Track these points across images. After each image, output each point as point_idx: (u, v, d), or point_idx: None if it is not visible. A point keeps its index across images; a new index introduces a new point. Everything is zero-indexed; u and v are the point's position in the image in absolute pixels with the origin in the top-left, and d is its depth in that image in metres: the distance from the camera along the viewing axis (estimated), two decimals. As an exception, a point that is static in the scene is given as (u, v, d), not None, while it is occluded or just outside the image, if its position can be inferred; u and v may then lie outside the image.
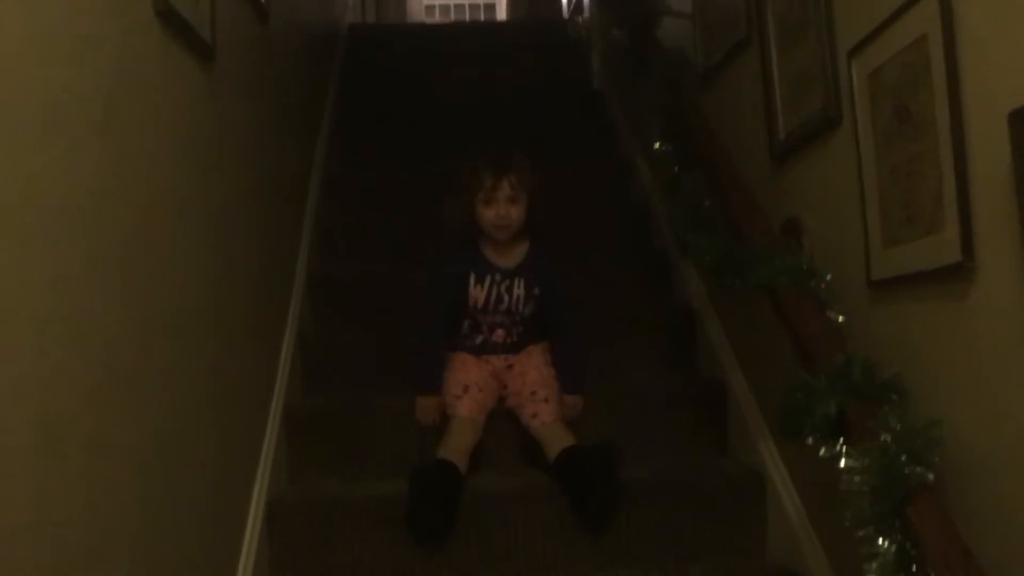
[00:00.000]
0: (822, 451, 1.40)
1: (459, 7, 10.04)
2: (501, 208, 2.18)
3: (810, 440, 1.43)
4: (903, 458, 1.22)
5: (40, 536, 0.96)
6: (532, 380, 2.20)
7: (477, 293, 2.25)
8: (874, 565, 1.21)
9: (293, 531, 1.96)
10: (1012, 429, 1.17)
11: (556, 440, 2.06)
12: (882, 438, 1.25)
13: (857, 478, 1.25)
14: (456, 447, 2.05)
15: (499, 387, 2.26)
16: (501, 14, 9.61)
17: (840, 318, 1.56)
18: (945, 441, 1.25)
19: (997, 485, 1.20)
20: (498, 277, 2.25)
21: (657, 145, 2.29)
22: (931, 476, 1.21)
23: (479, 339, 2.29)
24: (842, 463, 1.33)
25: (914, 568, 1.18)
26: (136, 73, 1.30)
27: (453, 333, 2.30)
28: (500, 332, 2.29)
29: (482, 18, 9.88)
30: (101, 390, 1.13)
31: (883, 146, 1.44)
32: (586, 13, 4.53)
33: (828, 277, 1.61)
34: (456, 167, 2.27)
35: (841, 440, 1.38)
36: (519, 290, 2.25)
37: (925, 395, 1.36)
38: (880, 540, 1.21)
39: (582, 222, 3.06)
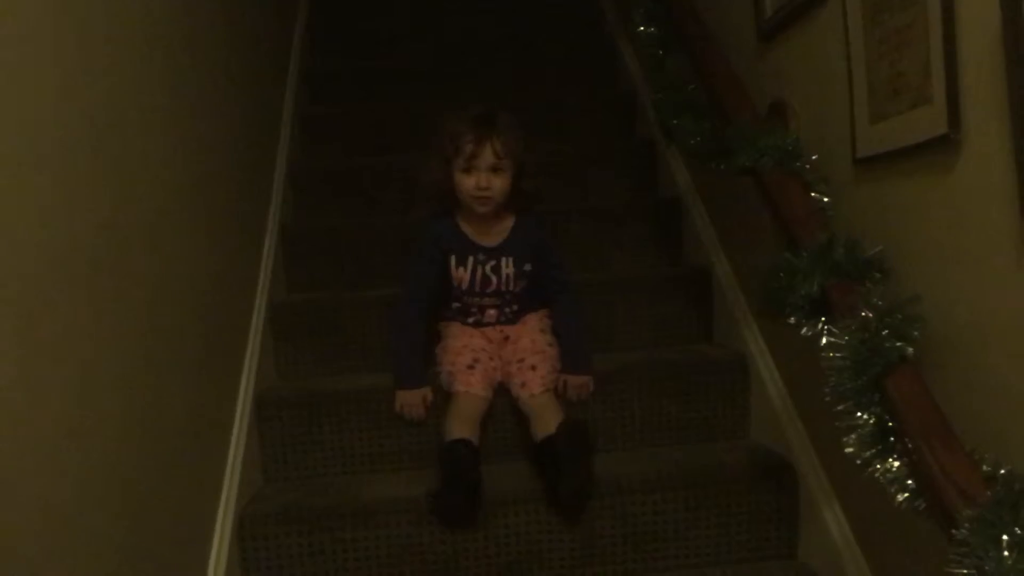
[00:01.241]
0: (804, 330, 1.41)
1: None
2: (482, 178, 1.92)
3: (792, 320, 1.43)
4: (884, 333, 1.22)
5: (21, 420, 0.96)
6: (522, 347, 2.01)
7: (460, 275, 2.03)
8: (853, 438, 1.22)
9: (281, 422, 1.98)
10: (993, 302, 1.17)
11: (540, 419, 1.85)
12: (863, 315, 1.25)
13: (838, 354, 1.25)
14: (470, 420, 1.86)
15: (497, 360, 2.03)
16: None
17: (825, 199, 1.54)
18: (926, 316, 1.25)
19: (978, 358, 1.21)
20: (482, 256, 2.03)
21: (641, 28, 2.21)
22: (911, 350, 1.21)
23: (471, 319, 2.09)
24: (823, 341, 1.33)
25: (892, 439, 1.19)
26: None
27: (442, 308, 2.11)
28: (492, 312, 2.08)
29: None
30: (84, 284, 1.12)
31: (871, 18, 1.40)
32: None
33: (813, 157, 1.59)
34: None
35: (823, 319, 1.38)
36: (508, 269, 2.03)
37: (908, 272, 1.35)
38: (859, 413, 1.22)
39: (566, 113, 3.03)
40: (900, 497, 1.16)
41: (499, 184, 1.93)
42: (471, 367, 1.93)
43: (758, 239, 1.95)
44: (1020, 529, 0.97)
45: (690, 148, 1.89)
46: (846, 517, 1.66)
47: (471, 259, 2.02)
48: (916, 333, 1.22)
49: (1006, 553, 0.95)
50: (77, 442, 1.09)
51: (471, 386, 1.90)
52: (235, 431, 1.84)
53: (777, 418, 1.93)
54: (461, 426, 1.83)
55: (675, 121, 1.94)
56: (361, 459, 1.98)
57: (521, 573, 1.75)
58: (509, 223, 2.04)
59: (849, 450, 1.23)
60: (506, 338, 2.07)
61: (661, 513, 1.80)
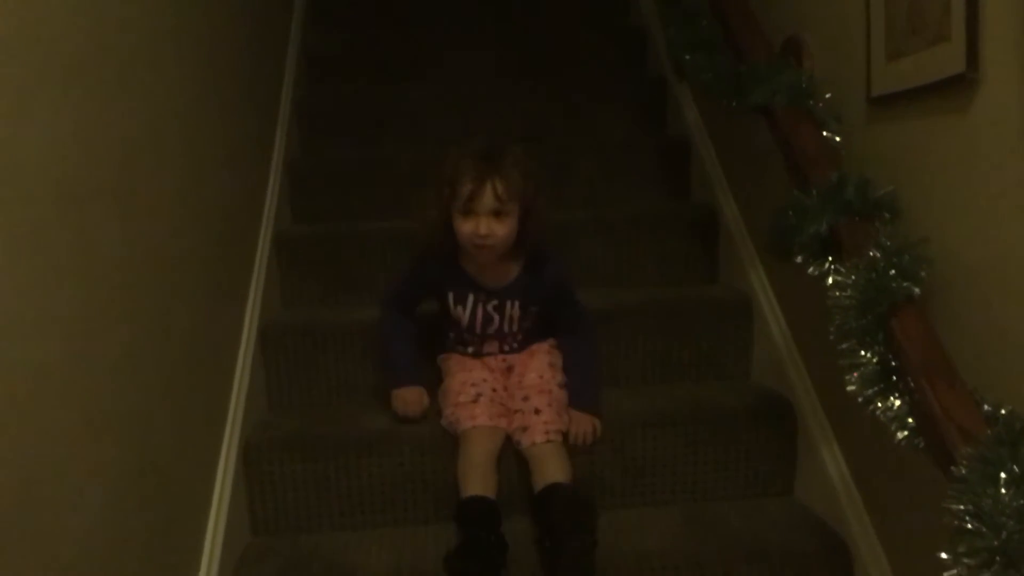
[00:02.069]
0: (811, 269, 1.40)
1: None
2: (482, 223, 1.67)
3: (800, 259, 1.42)
4: (891, 273, 1.22)
5: (27, 344, 0.96)
6: (528, 383, 1.79)
7: (459, 313, 1.83)
8: (855, 376, 1.23)
9: (286, 351, 1.99)
10: (1003, 246, 1.16)
11: (540, 468, 1.65)
12: (871, 254, 1.24)
13: (844, 293, 1.25)
14: (482, 466, 1.65)
15: (502, 390, 1.82)
16: None
17: (837, 138, 1.53)
18: (935, 257, 1.24)
19: (984, 301, 1.21)
20: (483, 296, 1.81)
21: (656, -39, 2.17)
22: (917, 291, 1.21)
23: (470, 348, 1.89)
24: (830, 280, 1.33)
25: (894, 378, 1.20)
26: None
27: (438, 337, 1.92)
28: (494, 345, 1.88)
29: None
30: (90, 208, 1.12)
31: (893, -48, 1.37)
32: None
33: (827, 96, 1.57)
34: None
35: (830, 258, 1.38)
36: (513, 311, 1.83)
37: (918, 213, 1.35)
38: (862, 352, 1.22)
39: (576, 46, 3.00)
40: (900, 435, 1.17)
41: (501, 231, 1.69)
42: (475, 401, 1.74)
43: (766, 179, 1.93)
44: (1018, 467, 0.97)
45: (703, 84, 1.86)
46: (844, 457, 1.68)
47: (471, 297, 1.81)
48: (923, 274, 1.22)
49: (1003, 491, 0.96)
50: (83, 367, 1.10)
51: (476, 419, 1.69)
52: (240, 359, 1.86)
53: (779, 359, 1.94)
54: (474, 477, 1.63)
55: (688, 57, 1.90)
56: (365, 389, 2.00)
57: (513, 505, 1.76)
58: (516, 266, 1.81)
59: (851, 388, 1.23)
60: (510, 368, 1.87)
61: (660, 449, 1.82)
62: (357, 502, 1.77)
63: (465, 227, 1.69)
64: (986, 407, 1.08)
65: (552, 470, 1.63)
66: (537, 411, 1.72)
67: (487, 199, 1.66)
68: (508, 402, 1.78)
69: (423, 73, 2.95)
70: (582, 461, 1.76)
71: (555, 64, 2.97)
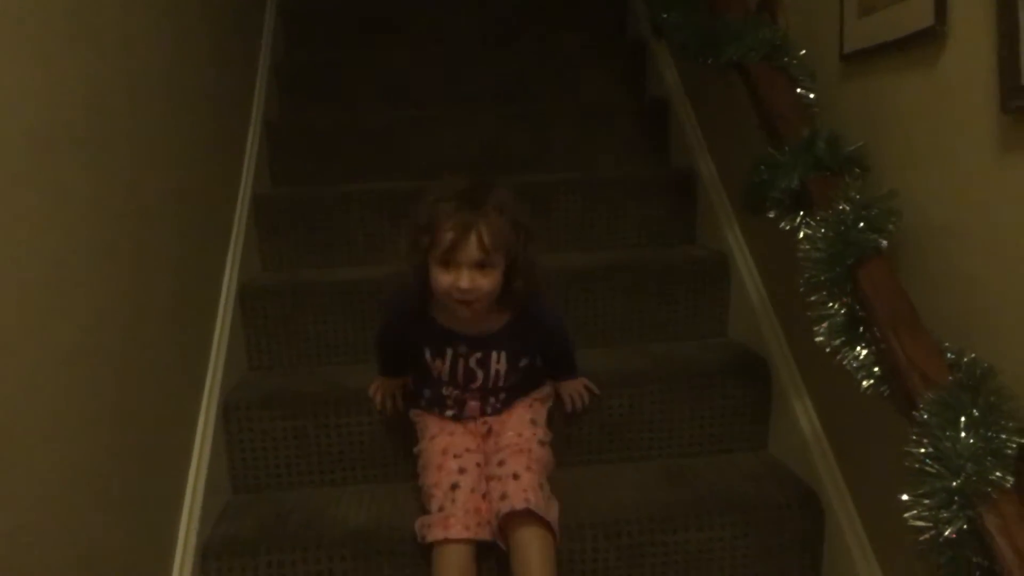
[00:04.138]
0: (783, 224, 1.42)
1: None
2: (463, 277, 1.46)
3: (772, 214, 1.44)
4: (860, 226, 1.23)
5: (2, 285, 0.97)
6: (505, 442, 1.62)
7: (438, 367, 1.64)
8: (824, 327, 1.25)
9: (265, 312, 2.00)
10: (969, 199, 1.18)
11: (521, 560, 1.47)
12: (840, 208, 1.26)
13: (814, 246, 1.26)
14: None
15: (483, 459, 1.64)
16: None
17: (811, 95, 1.54)
18: (903, 210, 1.26)
19: (949, 253, 1.23)
20: (463, 349, 1.62)
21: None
22: (885, 243, 1.23)
23: (449, 413, 1.69)
24: (801, 234, 1.35)
25: (860, 329, 1.22)
26: None
27: (413, 393, 1.75)
28: (474, 405, 1.68)
29: None
30: (66, 163, 1.11)
31: (865, -93, 1.37)
32: None
33: (802, 52, 1.58)
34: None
35: (802, 213, 1.40)
36: (499, 365, 1.63)
37: (888, 168, 1.36)
38: (831, 303, 1.25)
39: (557, 14, 2.99)
40: (866, 383, 1.20)
41: (485, 284, 1.48)
42: (454, 487, 1.54)
43: (744, 140, 1.94)
44: (978, 412, 1.00)
45: (680, 43, 1.86)
46: (816, 411, 1.71)
47: (450, 351, 1.62)
48: (891, 227, 1.24)
49: (963, 434, 0.99)
50: (59, 318, 1.10)
51: (450, 529, 1.48)
52: (219, 319, 1.86)
53: (754, 316, 1.96)
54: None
55: (665, 15, 1.90)
56: (345, 349, 2.01)
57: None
58: (503, 317, 1.62)
59: (819, 339, 1.26)
60: (489, 430, 1.69)
61: (637, 406, 1.84)
62: (337, 459, 1.79)
63: (444, 280, 1.48)
64: (949, 355, 1.11)
65: (535, 567, 1.47)
66: (516, 477, 1.53)
67: (471, 249, 1.45)
68: (486, 471, 1.61)
69: (405, 36, 2.94)
70: (560, 417, 1.78)
71: (536, 29, 2.96)
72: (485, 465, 1.62)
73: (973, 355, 1.08)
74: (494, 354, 1.63)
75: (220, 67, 2.09)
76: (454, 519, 1.50)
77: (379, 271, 1.99)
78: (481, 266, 1.47)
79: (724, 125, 2.20)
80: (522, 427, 1.66)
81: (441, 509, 1.52)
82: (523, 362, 1.66)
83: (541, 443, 1.66)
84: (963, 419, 1.00)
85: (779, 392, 1.83)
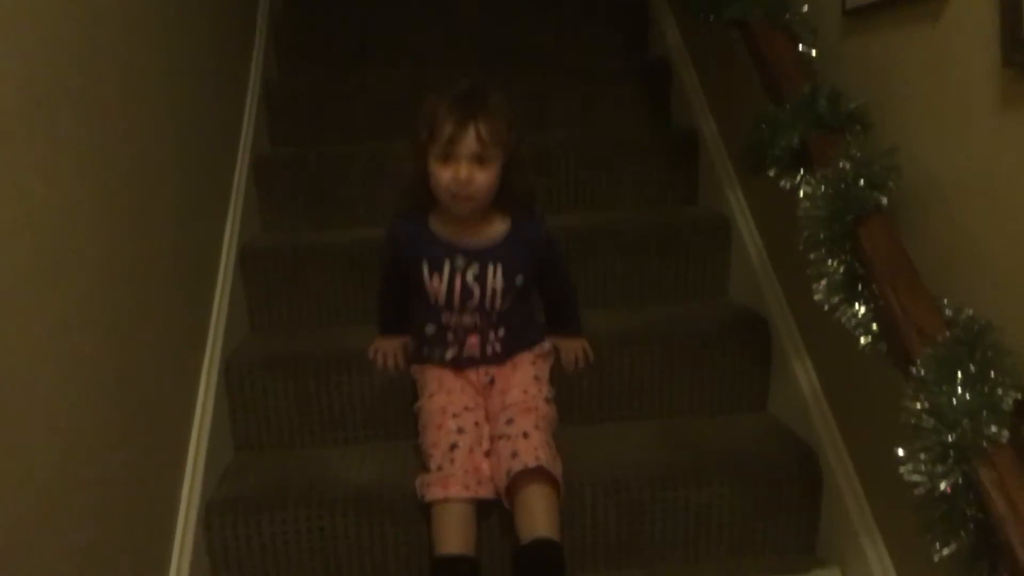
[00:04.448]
0: (783, 182, 1.42)
1: None
2: (462, 169, 1.52)
3: (772, 172, 1.43)
4: (860, 183, 1.23)
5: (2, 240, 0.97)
6: (512, 399, 1.63)
7: (435, 286, 1.64)
8: (822, 284, 1.25)
9: (266, 273, 2.00)
10: (969, 154, 1.18)
11: (529, 517, 1.50)
12: (841, 165, 1.26)
13: (814, 204, 1.26)
14: (456, 528, 1.51)
15: (483, 418, 1.66)
16: None
17: (812, 52, 1.53)
18: (904, 168, 1.25)
19: (950, 209, 1.22)
20: (461, 263, 1.63)
21: None
22: (885, 200, 1.22)
23: (449, 353, 1.69)
24: (801, 193, 1.35)
25: (859, 287, 1.22)
26: None
27: (418, 337, 1.74)
28: (474, 340, 1.69)
29: None
30: (65, 120, 1.11)
31: None
32: None
33: (804, 9, 1.56)
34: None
35: (802, 171, 1.39)
36: (495, 281, 1.64)
37: (890, 125, 1.35)
38: (830, 261, 1.24)
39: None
40: (864, 340, 1.20)
41: (482, 179, 1.54)
42: (453, 447, 1.56)
43: (746, 99, 1.93)
44: (975, 367, 1.01)
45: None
46: (815, 371, 1.72)
47: (448, 265, 1.63)
48: (891, 184, 1.24)
49: (960, 389, 1.00)
50: (60, 274, 1.10)
51: (449, 488, 1.51)
52: (220, 280, 1.87)
53: (755, 277, 1.96)
54: (449, 536, 1.50)
55: (666, -27, 1.89)
56: (346, 311, 2.02)
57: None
58: (502, 226, 1.65)
59: (818, 297, 1.26)
60: (492, 381, 1.71)
61: (637, 366, 1.85)
62: (339, 419, 1.80)
63: (444, 174, 1.53)
64: (947, 312, 1.11)
65: (541, 522, 1.49)
66: (526, 435, 1.56)
67: (469, 142, 1.51)
68: (492, 428, 1.63)
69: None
70: (562, 379, 1.79)
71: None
72: (490, 423, 1.64)
73: (970, 311, 1.08)
74: (490, 267, 1.64)
75: (217, 25, 2.08)
76: (453, 479, 1.52)
77: (379, 233, 1.99)
78: (479, 160, 1.53)
79: (726, 85, 2.18)
80: (527, 384, 1.67)
81: (440, 469, 1.54)
82: (519, 279, 1.66)
83: (547, 400, 1.68)
84: (960, 375, 1.00)
85: (779, 352, 1.84)
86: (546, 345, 1.77)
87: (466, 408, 1.64)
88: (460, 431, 1.59)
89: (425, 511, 1.55)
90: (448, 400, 1.65)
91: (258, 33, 2.52)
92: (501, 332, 1.70)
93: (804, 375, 1.74)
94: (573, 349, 1.79)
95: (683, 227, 2.10)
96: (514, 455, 1.53)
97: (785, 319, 1.83)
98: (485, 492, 1.53)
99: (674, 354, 1.86)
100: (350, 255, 2.01)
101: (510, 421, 1.59)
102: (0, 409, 0.93)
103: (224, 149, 2.05)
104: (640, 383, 1.86)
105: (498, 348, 1.70)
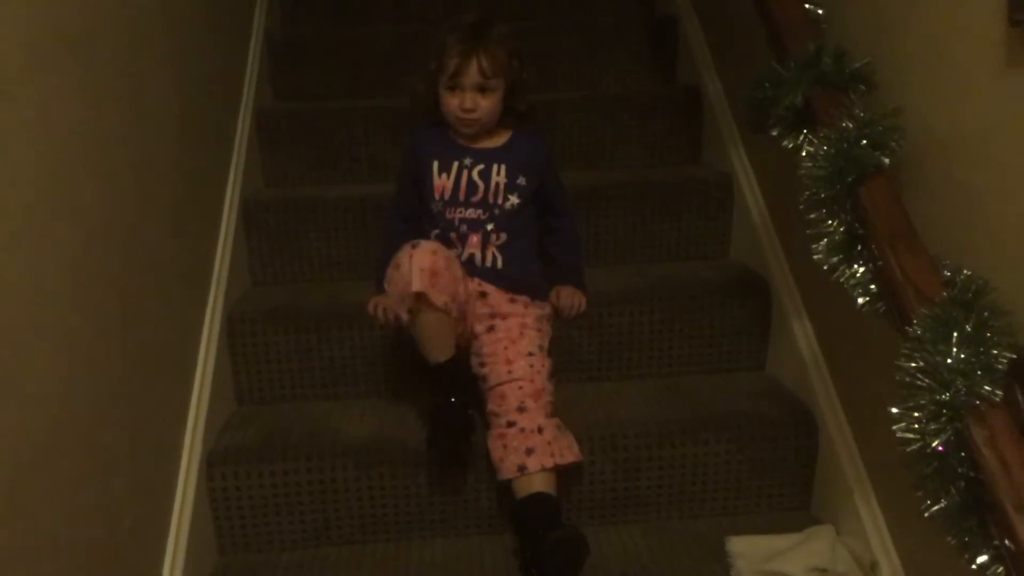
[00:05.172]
0: (785, 142, 1.41)
1: None
2: (467, 98, 1.67)
3: (775, 131, 1.42)
4: (862, 144, 1.23)
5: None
6: (519, 375, 1.62)
7: (443, 183, 1.74)
8: (822, 244, 1.25)
9: (268, 227, 2.01)
10: (972, 114, 1.17)
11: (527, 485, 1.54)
12: (844, 125, 1.25)
13: (816, 163, 1.26)
14: (441, 341, 1.61)
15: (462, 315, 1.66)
16: None
17: (820, 10, 1.51)
18: (906, 128, 1.25)
19: (952, 169, 1.22)
20: (468, 161, 1.74)
21: None
22: (887, 161, 1.22)
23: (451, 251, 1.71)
24: (803, 152, 1.34)
25: (859, 247, 1.22)
26: None
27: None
28: (475, 239, 1.72)
29: None
30: (66, 71, 1.11)
31: None
32: None
33: (811, -35, 1.54)
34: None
35: (805, 131, 1.38)
36: (498, 177, 1.73)
37: (894, 85, 1.34)
38: (830, 221, 1.24)
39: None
40: (861, 300, 1.21)
41: (486, 105, 1.69)
42: (414, 245, 1.57)
43: (751, 58, 1.91)
44: (970, 327, 1.01)
45: (688, -44, 1.83)
46: (814, 331, 1.73)
47: (456, 164, 1.75)
48: (894, 144, 1.23)
49: (955, 349, 1.00)
50: (62, 226, 1.10)
51: (432, 297, 1.54)
52: (222, 233, 1.87)
53: (756, 237, 1.96)
54: (431, 349, 1.61)
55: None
56: (347, 265, 2.03)
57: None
58: (505, 135, 1.78)
59: (817, 256, 1.26)
60: (483, 295, 1.71)
61: (637, 324, 1.86)
62: (340, 372, 1.81)
63: (451, 102, 1.70)
64: (945, 272, 1.11)
65: (538, 481, 1.53)
66: (540, 430, 1.56)
67: (472, 73, 1.66)
68: (490, 373, 1.65)
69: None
70: (560, 336, 1.80)
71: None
72: (475, 338, 1.69)
73: (968, 271, 1.09)
74: (495, 166, 1.75)
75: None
76: (442, 289, 1.55)
77: (381, 188, 1.99)
78: (482, 89, 1.68)
79: (732, 43, 2.16)
80: (531, 350, 1.66)
81: (398, 267, 1.57)
82: (520, 179, 1.74)
83: (547, 361, 1.68)
84: (955, 334, 1.01)
85: (778, 313, 1.84)
86: (547, 308, 1.78)
87: (448, 267, 1.59)
88: (434, 273, 1.55)
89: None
90: (433, 245, 1.61)
91: (261, -17, 2.49)
92: (503, 237, 1.73)
93: (803, 334, 1.75)
94: (576, 298, 1.81)
95: (685, 186, 2.09)
96: (529, 452, 1.53)
97: (785, 279, 1.83)
98: (440, 297, 1.54)
99: (674, 313, 1.86)
100: (352, 211, 2.01)
101: (522, 408, 1.58)
102: (2, 357, 0.94)
103: (226, 102, 2.04)
104: (639, 341, 1.87)
105: (498, 263, 1.72)
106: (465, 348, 1.69)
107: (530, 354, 1.65)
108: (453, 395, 1.61)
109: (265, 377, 1.81)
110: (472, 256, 1.72)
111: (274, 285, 2.02)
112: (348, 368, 1.81)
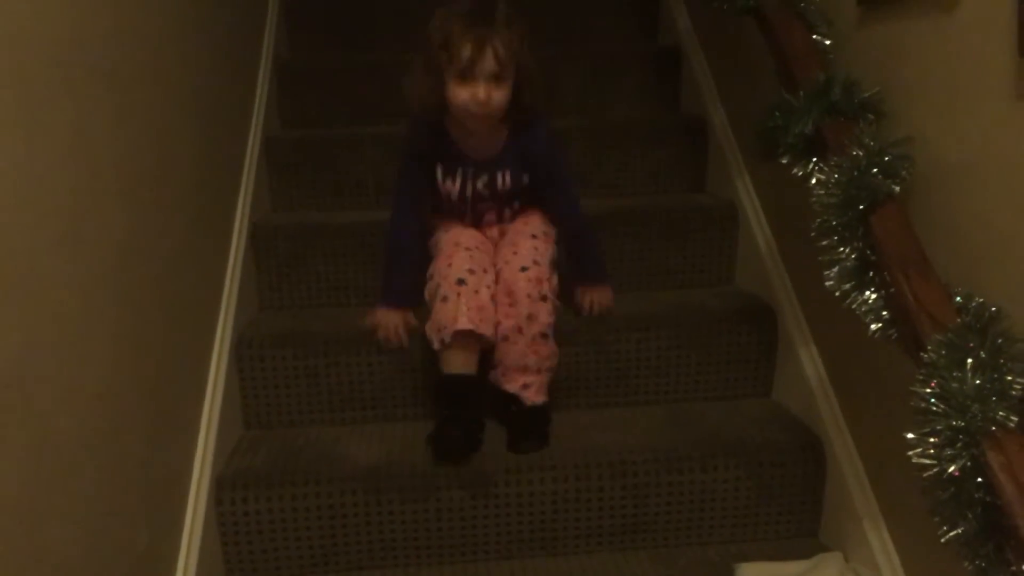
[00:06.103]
0: (796, 169, 1.42)
1: None
2: (481, 89, 1.59)
3: (785, 160, 1.44)
4: (873, 171, 1.24)
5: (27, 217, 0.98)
6: (516, 231, 1.76)
7: (449, 187, 1.77)
8: (834, 271, 1.26)
9: (276, 252, 2.01)
10: (983, 143, 1.19)
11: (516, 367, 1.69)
12: (854, 153, 1.27)
13: (827, 191, 1.27)
14: (466, 358, 1.66)
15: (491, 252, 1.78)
16: None
17: (827, 41, 1.53)
18: (915, 157, 1.27)
19: (962, 198, 1.23)
20: (471, 171, 1.75)
21: None
22: (897, 189, 1.24)
23: (467, 220, 1.84)
24: (813, 180, 1.36)
25: (871, 274, 1.23)
26: None
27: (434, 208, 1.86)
28: (491, 216, 1.83)
29: None
30: (84, 94, 1.12)
31: None
32: None
33: (818, -3, 1.57)
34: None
35: (814, 159, 1.40)
36: (503, 183, 1.76)
37: (902, 114, 1.36)
38: (842, 248, 1.25)
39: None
40: (874, 327, 1.21)
41: (499, 97, 1.61)
42: (461, 282, 1.64)
43: (756, 87, 1.94)
44: (985, 353, 1.02)
45: (694, -13, 1.86)
46: (821, 358, 1.73)
47: (460, 172, 1.75)
48: (904, 172, 1.25)
49: (970, 375, 1.01)
50: (82, 251, 1.11)
51: (458, 322, 1.61)
52: (231, 259, 1.88)
53: (762, 265, 1.97)
54: (455, 359, 1.66)
55: (680, -40, 1.89)
56: (355, 291, 2.03)
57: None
58: (503, 134, 1.74)
59: (829, 283, 1.27)
60: (503, 234, 1.83)
61: (644, 351, 1.86)
62: (348, 397, 1.81)
63: (462, 94, 1.60)
64: (958, 299, 1.12)
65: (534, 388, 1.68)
66: (544, 299, 1.68)
67: (487, 62, 1.57)
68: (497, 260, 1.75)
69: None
70: (568, 361, 1.80)
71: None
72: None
73: (981, 299, 1.10)
74: (499, 175, 1.75)
75: (231, 13, 2.08)
76: (464, 305, 1.62)
77: (388, 214, 1.99)
78: (496, 79, 1.60)
79: (736, 73, 2.19)
80: (534, 230, 1.78)
81: (445, 300, 1.64)
82: (524, 177, 1.77)
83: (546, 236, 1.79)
84: (970, 361, 1.02)
85: (785, 339, 1.85)
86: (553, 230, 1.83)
87: (477, 246, 1.73)
88: (472, 263, 1.67)
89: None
90: (459, 236, 1.75)
91: (270, 9, 2.52)
92: (516, 204, 1.83)
93: (810, 362, 1.75)
94: (606, 295, 1.85)
95: (691, 214, 2.11)
96: (532, 318, 1.66)
97: (792, 306, 1.84)
98: (487, 330, 1.63)
99: (680, 339, 1.87)
100: (359, 236, 2.01)
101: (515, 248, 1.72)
102: (20, 377, 0.94)
103: (237, 129, 2.06)
104: (646, 367, 1.87)
105: (513, 214, 1.84)
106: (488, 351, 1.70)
107: (533, 236, 1.75)
108: (464, 410, 1.63)
109: (273, 401, 1.81)
110: (490, 221, 1.83)
111: (282, 310, 2.02)
112: (356, 393, 1.81)
